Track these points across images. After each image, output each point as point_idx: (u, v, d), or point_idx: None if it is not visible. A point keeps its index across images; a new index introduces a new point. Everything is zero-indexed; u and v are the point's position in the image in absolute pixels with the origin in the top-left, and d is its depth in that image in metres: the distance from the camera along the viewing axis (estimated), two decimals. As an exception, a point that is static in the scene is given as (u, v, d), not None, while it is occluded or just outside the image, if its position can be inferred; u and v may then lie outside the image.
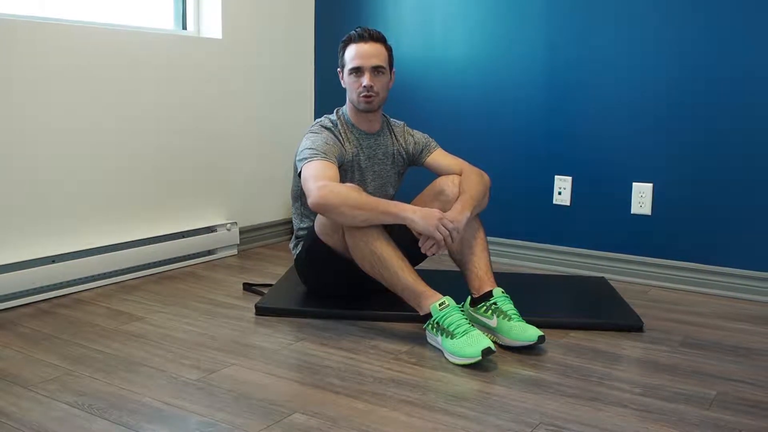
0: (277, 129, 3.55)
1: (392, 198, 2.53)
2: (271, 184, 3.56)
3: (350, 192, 2.14)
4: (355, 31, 2.44)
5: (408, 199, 2.41)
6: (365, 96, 2.39)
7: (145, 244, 2.90)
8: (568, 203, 3.09)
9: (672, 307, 2.60)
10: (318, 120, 2.50)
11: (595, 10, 2.94)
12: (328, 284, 2.50)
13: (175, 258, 3.03)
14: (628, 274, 2.95)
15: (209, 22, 3.23)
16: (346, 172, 2.42)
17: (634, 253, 2.95)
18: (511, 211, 3.20)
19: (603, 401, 1.80)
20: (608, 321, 2.36)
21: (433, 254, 2.16)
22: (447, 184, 2.41)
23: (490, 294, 2.22)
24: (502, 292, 2.23)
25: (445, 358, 2.06)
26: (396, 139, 2.57)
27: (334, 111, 2.54)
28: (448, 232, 2.11)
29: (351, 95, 2.45)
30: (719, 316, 2.52)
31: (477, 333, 2.03)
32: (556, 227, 3.09)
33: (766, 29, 2.63)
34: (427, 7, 3.34)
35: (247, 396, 1.79)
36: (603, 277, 2.90)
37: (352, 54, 2.41)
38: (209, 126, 3.21)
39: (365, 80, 2.37)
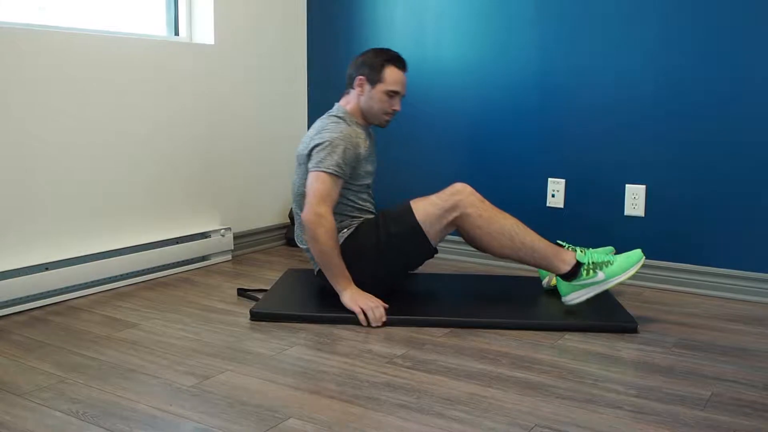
0: (270, 134, 3.55)
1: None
2: (265, 190, 3.56)
3: (329, 237, 2.38)
4: (394, 53, 2.59)
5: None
6: (388, 119, 2.61)
7: (138, 251, 2.89)
8: (561, 206, 3.09)
9: (666, 309, 2.60)
10: (333, 120, 2.54)
11: (587, 13, 2.95)
12: (369, 281, 2.51)
13: (169, 264, 3.02)
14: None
15: (202, 28, 3.24)
16: (361, 164, 2.53)
17: (627, 254, 2.95)
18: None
19: (598, 403, 1.80)
20: (603, 323, 2.36)
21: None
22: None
23: (577, 262, 2.41)
24: (581, 251, 2.44)
25: (611, 286, 2.37)
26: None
27: (336, 110, 2.59)
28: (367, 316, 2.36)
29: (374, 109, 2.58)
30: (713, 316, 2.53)
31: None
32: (550, 230, 3.09)
33: (758, 31, 2.64)
34: (419, 11, 3.34)
35: (242, 402, 1.79)
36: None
37: (395, 78, 2.56)
38: (202, 132, 3.21)
39: (397, 106, 2.59)
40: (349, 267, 2.45)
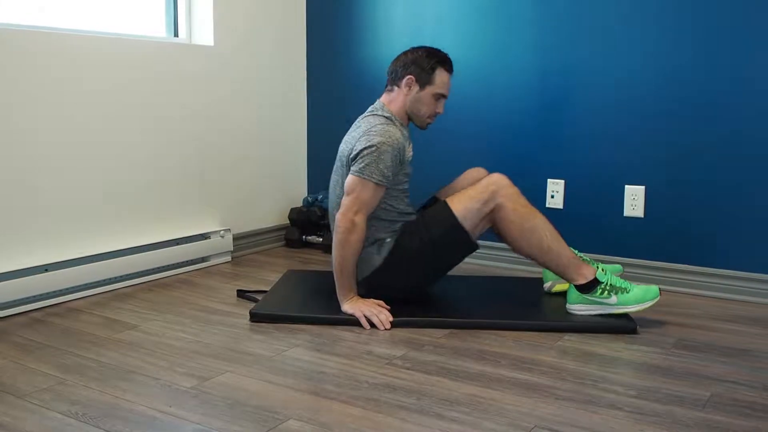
0: (269, 136, 3.55)
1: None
2: (265, 191, 3.56)
3: (356, 247, 2.37)
4: (446, 56, 2.55)
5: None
6: (431, 122, 2.58)
7: (138, 252, 2.89)
8: (561, 206, 3.10)
9: (665, 309, 2.60)
10: (381, 120, 2.47)
11: (586, 14, 2.96)
12: (415, 284, 2.53)
13: (168, 265, 3.02)
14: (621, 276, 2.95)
15: (201, 30, 3.24)
16: (403, 167, 2.50)
17: (627, 255, 2.96)
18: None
19: (597, 404, 1.80)
20: (602, 323, 2.36)
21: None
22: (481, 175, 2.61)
23: (596, 279, 2.39)
24: (603, 271, 2.42)
25: (619, 312, 2.36)
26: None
27: (381, 109, 2.52)
28: (370, 319, 2.37)
29: (420, 111, 2.53)
30: (712, 317, 2.53)
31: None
32: (550, 231, 3.10)
33: (757, 32, 2.64)
34: (418, 12, 3.34)
35: (242, 403, 1.79)
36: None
37: (445, 81, 2.53)
38: (202, 133, 3.21)
39: (441, 109, 2.56)
40: (397, 272, 2.44)
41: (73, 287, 2.66)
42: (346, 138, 2.53)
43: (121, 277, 2.83)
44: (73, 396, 1.82)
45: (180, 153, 3.12)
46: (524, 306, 2.57)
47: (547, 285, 2.70)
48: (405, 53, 2.55)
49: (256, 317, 2.43)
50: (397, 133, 2.42)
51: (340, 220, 2.36)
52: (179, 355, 2.12)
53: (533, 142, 3.13)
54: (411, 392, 1.86)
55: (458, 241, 2.44)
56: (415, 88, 2.50)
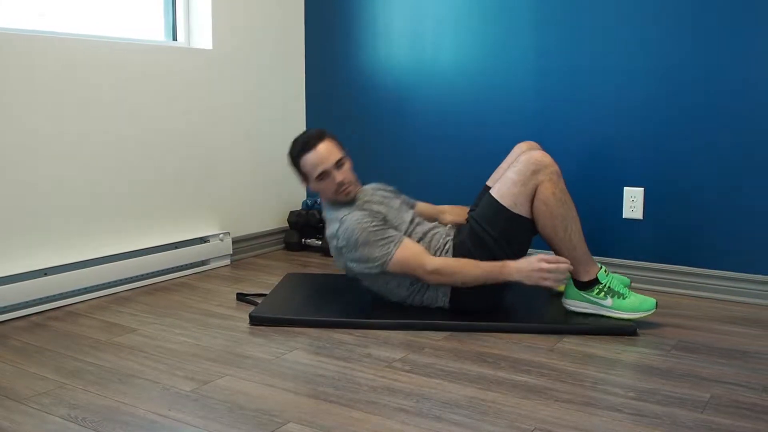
0: (268, 139, 3.55)
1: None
2: (263, 194, 3.56)
3: (455, 270, 2.38)
4: (299, 142, 2.55)
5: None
6: (344, 190, 2.50)
7: (137, 256, 2.89)
8: (560, 209, 3.09)
9: (665, 311, 2.60)
10: (334, 217, 2.50)
11: (585, 17, 2.96)
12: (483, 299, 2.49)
13: (168, 269, 3.02)
14: (621, 278, 2.96)
15: (199, 33, 3.24)
16: (393, 221, 2.51)
17: (625, 257, 2.96)
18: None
19: (597, 406, 1.80)
20: (601, 325, 2.36)
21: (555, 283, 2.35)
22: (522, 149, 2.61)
23: (596, 278, 2.40)
24: (606, 272, 2.42)
25: (612, 317, 2.37)
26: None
27: (326, 207, 2.59)
28: (553, 274, 2.32)
29: (329, 195, 2.54)
30: (712, 319, 2.53)
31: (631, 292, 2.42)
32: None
33: (757, 33, 2.64)
34: (418, 15, 3.35)
35: (242, 406, 1.79)
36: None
37: (311, 163, 2.50)
38: (201, 136, 3.21)
39: (337, 178, 2.48)
40: (474, 286, 2.40)
41: (72, 291, 2.66)
42: (327, 234, 2.55)
43: (120, 280, 2.83)
44: (72, 400, 1.82)
45: (179, 156, 3.12)
46: (523, 308, 2.57)
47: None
48: (291, 161, 2.59)
49: (255, 320, 2.43)
50: (354, 215, 2.44)
51: (431, 283, 2.41)
52: (179, 358, 2.12)
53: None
54: (410, 395, 1.86)
55: (519, 229, 2.40)
56: (309, 186, 2.58)
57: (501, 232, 2.38)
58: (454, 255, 2.44)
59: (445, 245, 2.48)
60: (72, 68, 2.68)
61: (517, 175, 2.36)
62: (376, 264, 2.40)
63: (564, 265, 2.32)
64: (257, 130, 3.49)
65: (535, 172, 2.34)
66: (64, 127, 2.67)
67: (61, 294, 2.62)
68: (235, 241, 3.38)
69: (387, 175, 3.46)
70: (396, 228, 2.48)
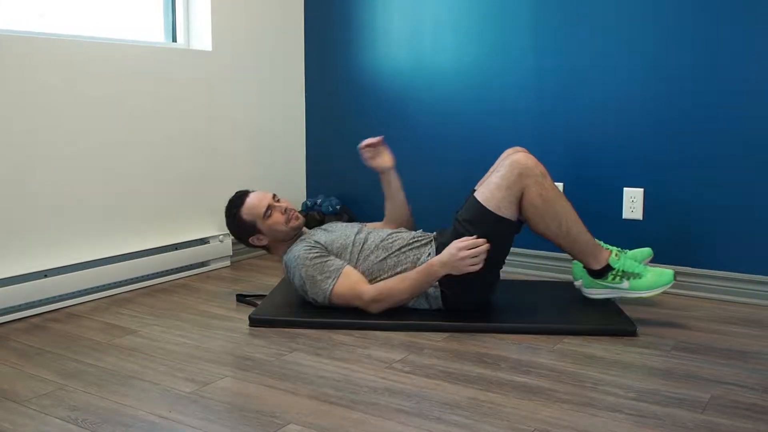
0: (267, 139, 3.55)
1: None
2: (264, 195, 3.56)
3: (388, 296, 2.41)
4: (230, 202, 2.64)
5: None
6: (293, 215, 2.60)
7: (137, 257, 2.89)
8: (559, 209, 3.09)
9: (665, 312, 2.61)
10: (292, 260, 2.53)
11: (584, 18, 2.96)
12: (482, 288, 2.50)
13: (167, 270, 3.02)
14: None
15: (199, 35, 3.24)
16: (330, 249, 2.54)
17: (626, 258, 2.96)
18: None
19: (597, 407, 1.80)
20: (601, 326, 2.37)
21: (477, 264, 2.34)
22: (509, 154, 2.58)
23: (608, 265, 2.44)
24: (616, 254, 2.45)
25: (632, 297, 2.43)
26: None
27: (285, 256, 2.60)
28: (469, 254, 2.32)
29: (280, 229, 2.58)
30: (712, 319, 2.53)
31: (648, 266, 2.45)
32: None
33: (756, 33, 2.65)
34: (416, 16, 3.35)
35: (242, 408, 1.79)
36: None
37: (252, 205, 2.59)
38: (200, 137, 3.21)
39: (282, 205, 2.60)
40: (457, 283, 2.40)
41: (72, 292, 2.66)
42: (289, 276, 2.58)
43: (120, 282, 2.83)
44: (72, 402, 1.82)
45: (178, 158, 3.12)
46: (523, 309, 2.57)
47: (577, 283, 2.68)
48: (231, 225, 2.65)
49: (255, 322, 2.43)
50: (294, 252, 2.52)
51: (372, 312, 2.42)
52: (179, 359, 2.12)
53: (531, 145, 3.11)
54: (411, 396, 1.86)
55: (502, 230, 2.41)
56: (261, 238, 2.60)
57: (484, 233, 2.38)
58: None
59: (413, 243, 2.51)
60: (71, 70, 2.68)
61: (502, 179, 2.37)
62: (319, 300, 2.46)
63: (481, 241, 2.33)
64: (257, 130, 3.49)
65: (521, 175, 2.35)
66: (63, 129, 2.67)
67: (61, 295, 2.62)
68: (234, 243, 3.37)
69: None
70: (339, 253, 2.51)
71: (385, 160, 2.79)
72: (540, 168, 2.38)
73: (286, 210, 2.59)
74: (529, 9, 3.08)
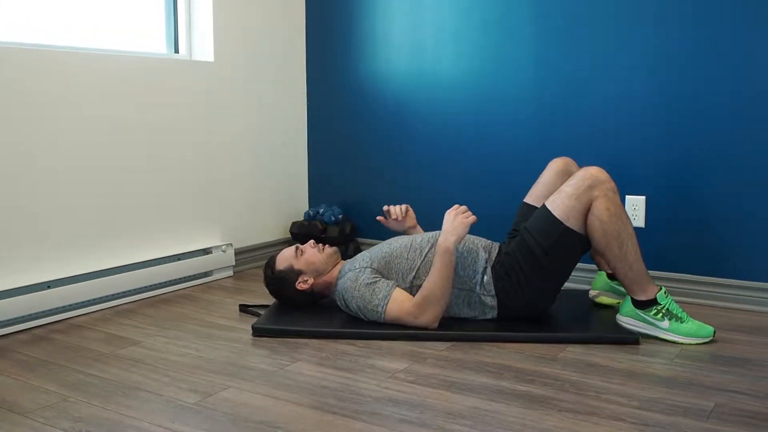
0: (270, 150, 3.56)
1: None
2: (266, 205, 3.57)
3: (431, 303, 2.40)
4: (265, 267, 2.69)
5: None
6: (322, 247, 2.63)
7: (140, 268, 2.89)
8: (561, 218, 3.09)
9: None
10: (349, 276, 2.52)
11: (586, 27, 2.97)
12: (540, 299, 2.50)
13: (170, 281, 3.03)
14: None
15: (201, 46, 3.25)
16: (385, 266, 2.53)
17: (628, 266, 2.95)
18: (504, 226, 3.20)
19: (600, 415, 1.80)
20: (604, 334, 2.36)
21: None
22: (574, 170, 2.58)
23: (655, 299, 2.36)
24: (665, 294, 2.37)
25: (665, 338, 2.33)
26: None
27: (338, 280, 2.59)
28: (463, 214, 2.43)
29: (317, 259, 2.60)
30: (715, 327, 2.52)
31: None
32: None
33: (757, 40, 2.65)
34: (417, 26, 3.36)
35: (245, 418, 1.79)
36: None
37: (282, 260, 2.62)
38: (203, 148, 3.22)
39: (309, 244, 2.64)
40: (524, 292, 2.41)
41: (75, 304, 2.66)
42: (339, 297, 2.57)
43: (123, 293, 2.83)
44: (76, 413, 1.82)
45: (181, 168, 3.13)
46: (526, 318, 2.56)
47: (593, 293, 2.68)
48: (273, 285, 2.67)
49: (258, 332, 2.43)
50: (347, 276, 2.51)
51: (423, 326, 2.41)
52: (182, 370, 2.12)
53: (533, 153, 3.13)
54: (414, 406, 1.86)
55: (572, 243, 2.38)
56: (307, 279, 2.58)
57: (552, 244, 2.36)
58: (503, 265, 2.44)
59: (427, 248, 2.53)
60: (72, 82, 2.69)
61: (573, 188, 2.35)
62: (374, 321, 2.45)
63: (463, 208, 2.44)
64: (259, 141, 3.50)
65: (591, 186, 2.32)
66: (66, 141, 2.68)
67: (64, 307, 2.63)
68: (237, 253, 3.38)
69: (387, 185, 3.47)
70: (397, 258, 2.51)
71: (409, 222, 2.82)
72: (612, 183, 2.35)
73: (313, 242, 2.64)
74: (529, 19, 3.09)
